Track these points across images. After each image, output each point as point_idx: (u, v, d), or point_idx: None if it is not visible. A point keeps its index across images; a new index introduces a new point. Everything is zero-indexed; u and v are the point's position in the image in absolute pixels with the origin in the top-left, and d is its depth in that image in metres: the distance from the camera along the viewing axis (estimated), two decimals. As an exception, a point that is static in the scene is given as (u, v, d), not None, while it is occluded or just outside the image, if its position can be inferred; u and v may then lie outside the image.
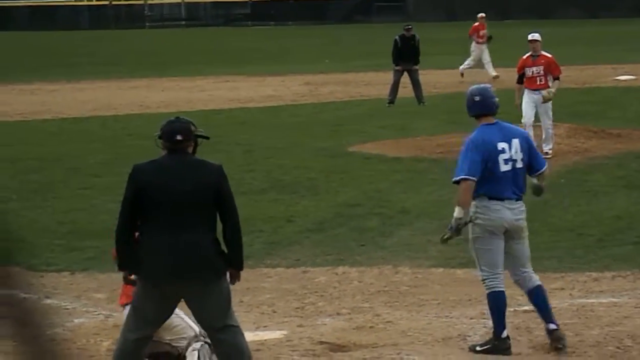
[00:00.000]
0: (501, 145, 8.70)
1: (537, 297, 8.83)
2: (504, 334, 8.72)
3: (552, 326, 8.76)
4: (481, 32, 32.74)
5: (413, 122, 22.93)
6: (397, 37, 27.71)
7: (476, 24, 33.12)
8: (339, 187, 16.31)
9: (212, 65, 42.92)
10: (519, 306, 9.82)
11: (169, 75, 38.65)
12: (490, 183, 8.64)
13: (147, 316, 7.39)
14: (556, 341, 8.71)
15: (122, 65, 44.69)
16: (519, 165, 8.75)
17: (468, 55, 32.91)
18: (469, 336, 8.99)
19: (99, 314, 10.10)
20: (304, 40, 60.20)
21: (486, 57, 32.46)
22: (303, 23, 79.81)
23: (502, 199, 8.65)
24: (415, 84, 27.01)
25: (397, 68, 27.29)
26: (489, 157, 8.65)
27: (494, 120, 8.87)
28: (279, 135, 22.16)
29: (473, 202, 8.67)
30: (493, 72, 32.00)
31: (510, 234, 8.73)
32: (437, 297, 10.46)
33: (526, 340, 8.98)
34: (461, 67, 32.42)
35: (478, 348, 8.71)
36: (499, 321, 8.72)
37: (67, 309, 10.38)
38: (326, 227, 13.62)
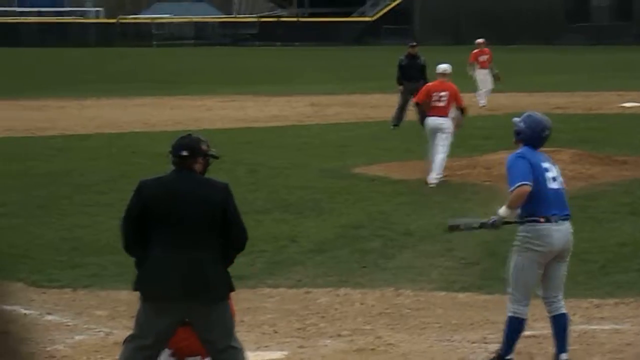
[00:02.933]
0: (545, 164, 8.69)
1: (560, 325, 8.79)
2: (509, 356, 8.71)
3: (564, 356, 8.74)
4: (480, 58, 32.35)
5: (418, 145, 22.94)
6: (401, 57, 27.79)
7: (475, 50, 32.73)
8: (343, 208, 16.32)
9: (219, 85, 43.01)
10: (520, 331, 9.81)
11: (176, 94, 38.74)
12: (539, 202, 8.52)
13: (151, 324, 7.33)
14: None
15: (129, 83, 44.80)
16: (563, 186, 8.71)
17: (473, 81, 32.49)
18: (470, 360, 8.97)
19: (99, 331, 10.10)
20: (310, 61, 60.25)
21: (488, 83, 32.07)
22: (309, 44, 79.96)
23: (550, 220, 8.55)
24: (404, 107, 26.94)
25: (401, 88, 27.31)
26: (537, 172, 8.59)
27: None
28: (284, 155, 22.18)
29: (523, 227, 8.56)
30: (484, 101, 31.69)
31: (557, 255, 8.67)
32: (438, 321, 10.44)
33: (527, 365, 8.95)
34: (481, 101, 31.64)
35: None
36: (509, 346, 8.72)
37: (69, 325, 10.38)
38: (329, 248, 13.62)
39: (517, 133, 8.80)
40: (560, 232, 8.61)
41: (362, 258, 13.03)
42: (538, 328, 10.06)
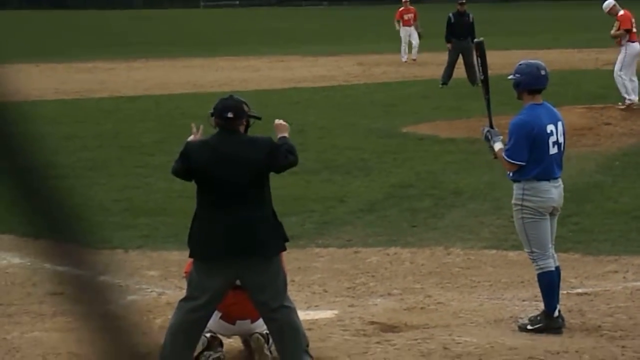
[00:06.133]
0: (550, 127, 8.66)
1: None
2: (556, 313, 8.68)
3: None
4: (405, 17, 33.91)
5: (466, 104, 22.79)
6: (450, 14, 27.62)
7: (401, 8, 34.25)
8: (391, 168, 16.28)
9: (265, 45, 42.96)
10: (572, 289, 9.76)
11: (223, 55, 38.76)
12: (540, 166, 8.61)
13: (203, 285, 7.37)
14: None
15: (177, 45, 44.88)
16: (563, 147, 8.77)
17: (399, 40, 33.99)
18: (521, 318, 8.95)
19: (151, 292, 10.18)
20: (357, 21, 59.98)
21: (414, 40, 33.84)
22: (356, 3, 79.59)
23: (549, 179, 8.65)
24: (469, 66, 26.85)
25: (449, 46, 27.15)
26: (539, 140, 8.61)
27: (541, 101, 8.82)
28: (332, 115, 22.15)
29: (520, 184, 8.66)
30: (409, 56, 33.76)
31: (552, 212, 8.73)
32: (489, 279, 10.42)
33: (579, 322, 8.92)
34: (405, 56, 33.72)
35: (529, 327, 8.68)
36: (551, 300, 8.68)
37: (120, 286, 10.48)
38: (378, 207, 13.61)
39: (517, 85, 8.77)
40: (557, 188, 8.71)
41: (412, 217, 13.01)
42: (589, 285, 10.01)
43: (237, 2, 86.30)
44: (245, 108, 7.55)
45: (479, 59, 9.19)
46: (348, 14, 65.57)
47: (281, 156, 7.42)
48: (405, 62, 33.52)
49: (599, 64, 30.45)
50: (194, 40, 47.84)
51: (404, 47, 33.98)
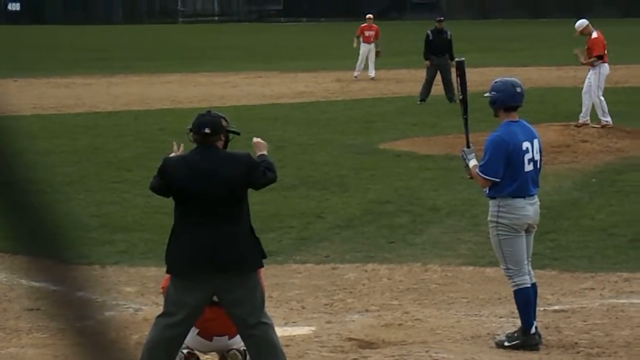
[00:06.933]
0: (525, 144, 8.71)
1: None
2: (533, 330, 8.70)
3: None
4: (366, 33, 34.05)
5: (444, 120, 22.87)
6: (428, 31, 27.74)
7: (363, 24, 34.39)
8: (369, 184, 16.31)
9: (244, 61, 42.98)
10: (548, 306, 9.80)
11: (202, 70, 38.76)
12: (515, 183, 8.65)
13: (180, 300, 7.34)
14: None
15: (155, 60, 44.84)
16: (539, 165, 8.81)
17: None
18: (499, 335, 8.97)
19: (128, 307, 10.15)
20: (335, 36, 60.07)
21: (372, 57, 33.84)
22: (335, 19, 79.73)
23: (524, 197, 8.67)
24: (447, 83, 26.94)
25: (427, 63, 27.24)
26: (514, 157, 8.65)
27: (517, 118, 8.87)
28: (310, 131, 22.17)
29: (495, 201, 8.70)
30: (373, 73, 33.64)
31: (527, 229, 8.76)
32: (466, 295, 10.44)
33: (555, 339, 8.94)
34: (357, 72, 33.73)
35: (506, 343, 8.70)
36: (527, 317, 8.70)
37: (97, 302, 10.44)
38: (356, 224, 13.62)
39: (493, 102, 8.83)
40: (532, 205, 8.75)
41: (389, 233, 13.03)
42: (566, 302, 10.04)
43: (216, 18, 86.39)
44: (224, 123, 7.56)
45: (458, 79, 9.24)
46: (327, 30, 65.71)
47: (260, 173, 7.43)
48: (356, 77, 33.44)
49: (577, 81, 30.61)
50: (172, 55, 47.82)
51: (360, 63, 33.93)
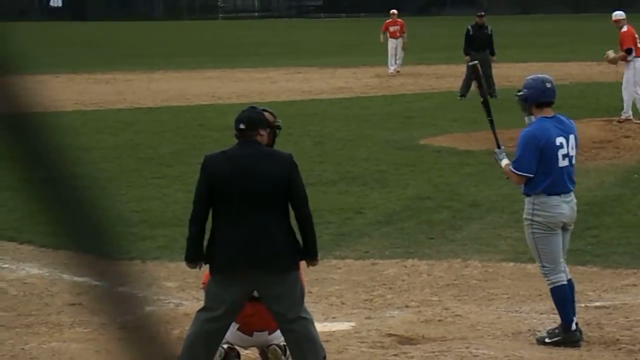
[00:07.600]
0: (559, 140, 8.67)
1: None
2: (573, 326, 8.66)
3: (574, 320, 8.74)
4: (391, 28, 34.23)
5: (485, 116, 22.75)
6: (469, 26, 27.66)
7: (388, 20, 34.60)
8: (409, 180, 16.28)
9: (284, 57, 43.05)
10: (589, 302, 9.74)
11: (241, 66, 38.85)
12: (549, 179, 8.60)
13: (221, 296, 7.37)
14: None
15: (195, 56, 45.01)
16: (574, 161, 8.76)
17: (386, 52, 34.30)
18: (539, 331, 8.93)
19: (169, 302, 10.20)
20: (375, 32, 60.03)
21: (399, 52, 34.14)
22: (375, 15, 79.63)
23: (559, 194, 8.62)
24: (487, 78, 26.80)
25: (467, 58, 27.15)
26: (549, 153, 8.61)
27: (553, 113, 8.83)
28: (349, 127, 22.16)
29: (530, 198, 8.66)
30: (394, 68, 33.93)
31: (564, 226, 8.71)
32: (507, 292, 10.40)
33: (597, 336, 8.89)
34: (391, 67, 33.91)
35: (547, 340, 8.65)
36: (566, 313, 8.66)
37: (139, 297, 10.48)
38: (395, 219, 13.60)
39: (525, 99, 8.81)
40: (568, 203, 8.69)
41: (429, 229, 13.00)
42: (607, 299, 9.98)
43: (256, 14, 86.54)
44: (271, 118, 7.55)
45: (474, 82, 9.27)
46: (366, 26, 65.65)
47: (303, 189, 7.39)
48: (391, 73, 33.66)
49: (619, 76, 30.38)
50: (212, 51, 47.96)
51: (391, 58, 34.18)
